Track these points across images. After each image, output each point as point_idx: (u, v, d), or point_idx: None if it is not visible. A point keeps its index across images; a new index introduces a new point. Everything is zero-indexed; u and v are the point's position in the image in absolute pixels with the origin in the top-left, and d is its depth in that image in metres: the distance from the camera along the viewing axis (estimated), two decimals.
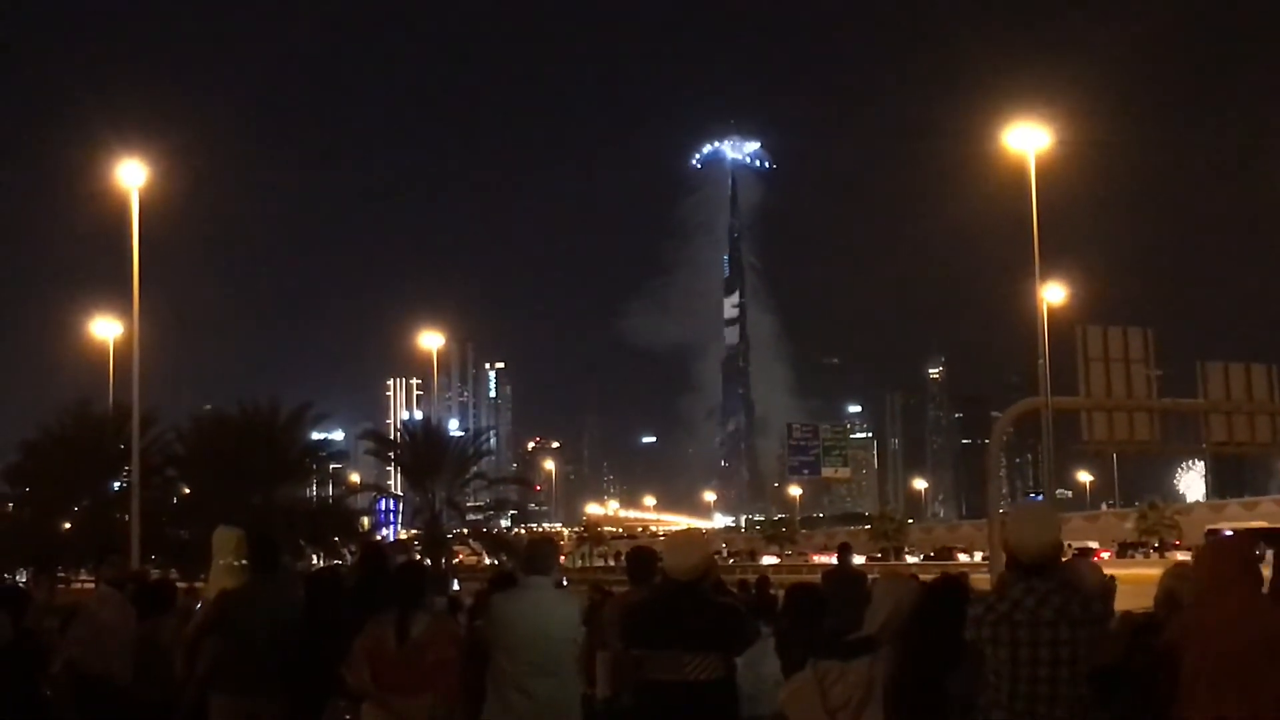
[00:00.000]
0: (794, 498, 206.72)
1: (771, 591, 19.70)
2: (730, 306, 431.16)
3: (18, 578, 38.84)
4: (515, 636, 8.68)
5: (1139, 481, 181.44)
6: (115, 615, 11.54)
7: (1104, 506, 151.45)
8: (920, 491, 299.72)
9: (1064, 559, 7.05)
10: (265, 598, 9.21)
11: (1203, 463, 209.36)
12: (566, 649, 8.79)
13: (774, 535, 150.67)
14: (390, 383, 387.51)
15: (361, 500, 71.89)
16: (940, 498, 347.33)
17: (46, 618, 12.42)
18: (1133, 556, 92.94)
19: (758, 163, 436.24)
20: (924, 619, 6.92)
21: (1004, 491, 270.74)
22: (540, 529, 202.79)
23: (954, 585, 7.33)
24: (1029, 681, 6.21)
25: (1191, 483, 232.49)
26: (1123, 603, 8.69)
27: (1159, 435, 44.09)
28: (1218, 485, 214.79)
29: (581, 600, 11.18)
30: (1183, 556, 74.80)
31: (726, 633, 7.73)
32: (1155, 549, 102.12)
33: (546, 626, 8.72)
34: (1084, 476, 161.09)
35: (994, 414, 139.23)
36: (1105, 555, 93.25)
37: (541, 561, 9.20)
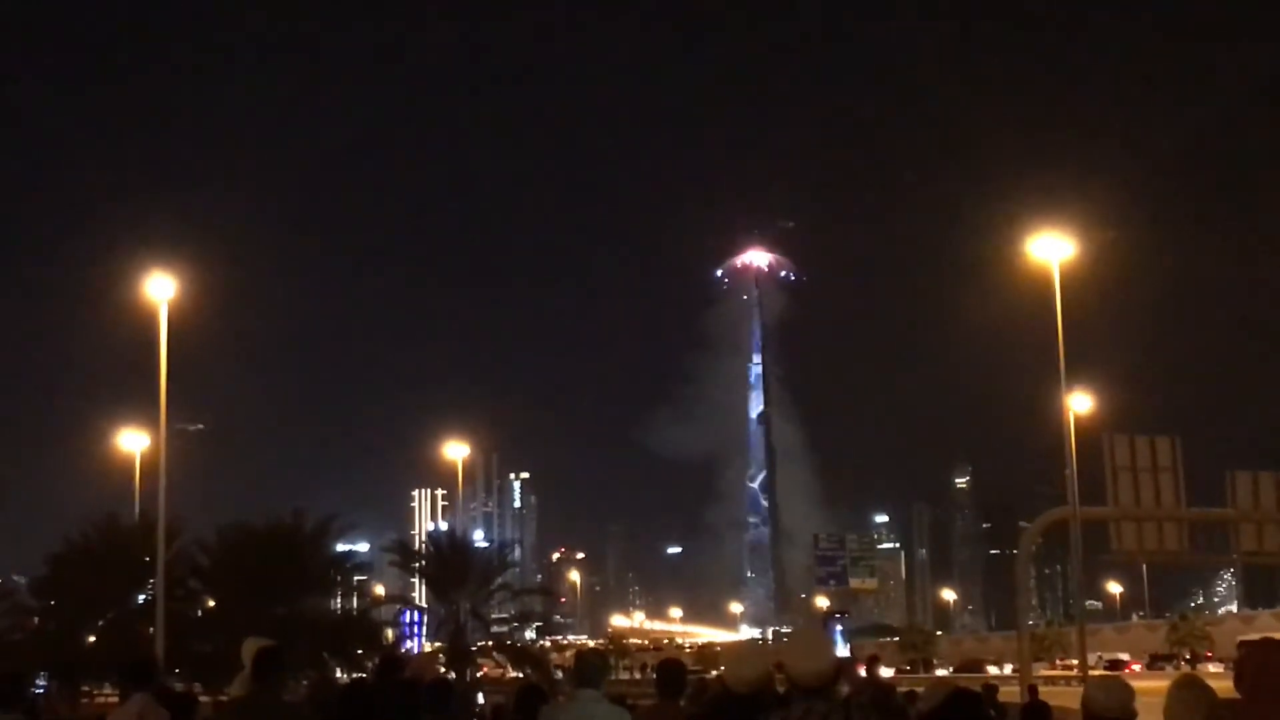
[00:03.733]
0: (821, 609, 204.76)
1: None
2: (755, 416, 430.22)
3: (35, 687, 38.56)
4: None
5: (1170, 591, 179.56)
6: None
7: (1134, 617, 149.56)
8: (949, 602, 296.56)
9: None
10: (258, 709, 9.19)
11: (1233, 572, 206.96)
12: None
13: None
14: (415, 493, 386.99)
15: (386, 612, 71.56)
16: (969, 609, 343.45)
17: None
18: (1164, 669, 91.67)
19: (782, 273, 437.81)
20: None
21: (1033, 603, 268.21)
22: (565, 641, 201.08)
23: (975, 699, 7.29)
24: None
25: (1224, 592, 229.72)
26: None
27: (1188, 545, 43.94)
28: (1249, 595, 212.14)
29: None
30: (1214, 669, 73.89)
31: None
32: (1186, 660, 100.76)
33: None
34: (1114, 587, 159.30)
35: (1022, 523, 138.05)
36: (1136, 668, 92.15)
37: (592, 675, 9.37)
